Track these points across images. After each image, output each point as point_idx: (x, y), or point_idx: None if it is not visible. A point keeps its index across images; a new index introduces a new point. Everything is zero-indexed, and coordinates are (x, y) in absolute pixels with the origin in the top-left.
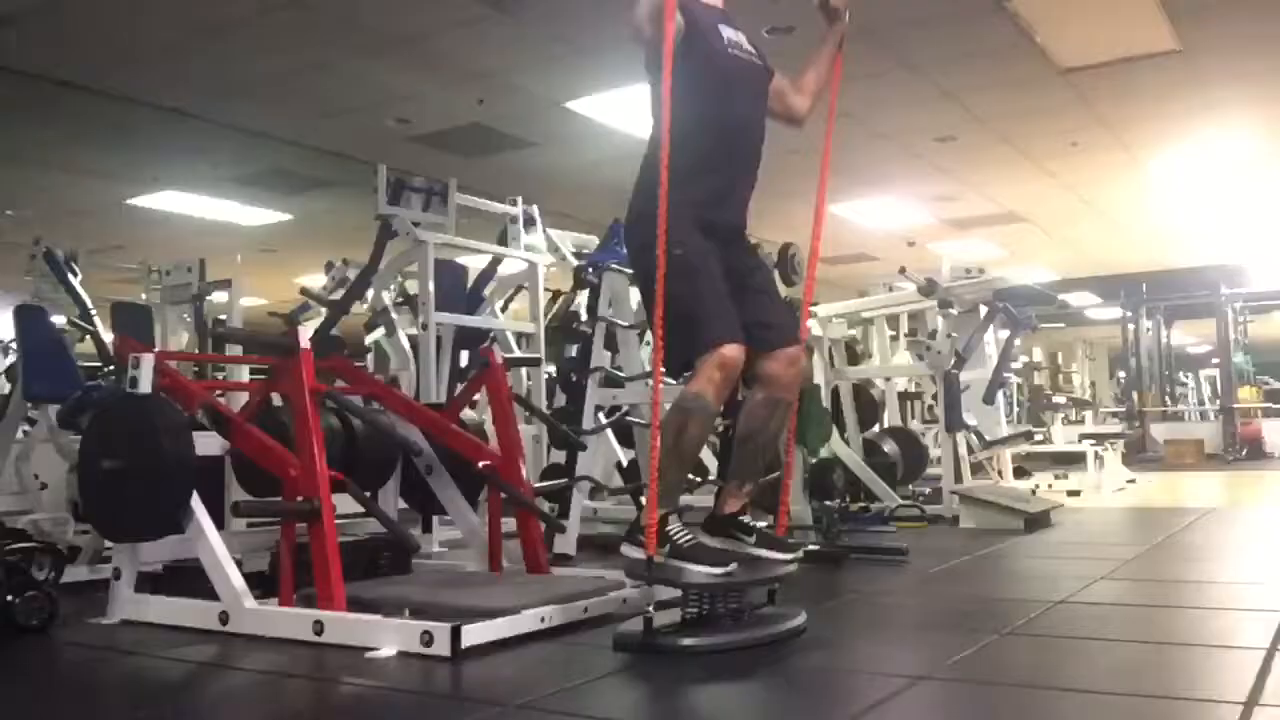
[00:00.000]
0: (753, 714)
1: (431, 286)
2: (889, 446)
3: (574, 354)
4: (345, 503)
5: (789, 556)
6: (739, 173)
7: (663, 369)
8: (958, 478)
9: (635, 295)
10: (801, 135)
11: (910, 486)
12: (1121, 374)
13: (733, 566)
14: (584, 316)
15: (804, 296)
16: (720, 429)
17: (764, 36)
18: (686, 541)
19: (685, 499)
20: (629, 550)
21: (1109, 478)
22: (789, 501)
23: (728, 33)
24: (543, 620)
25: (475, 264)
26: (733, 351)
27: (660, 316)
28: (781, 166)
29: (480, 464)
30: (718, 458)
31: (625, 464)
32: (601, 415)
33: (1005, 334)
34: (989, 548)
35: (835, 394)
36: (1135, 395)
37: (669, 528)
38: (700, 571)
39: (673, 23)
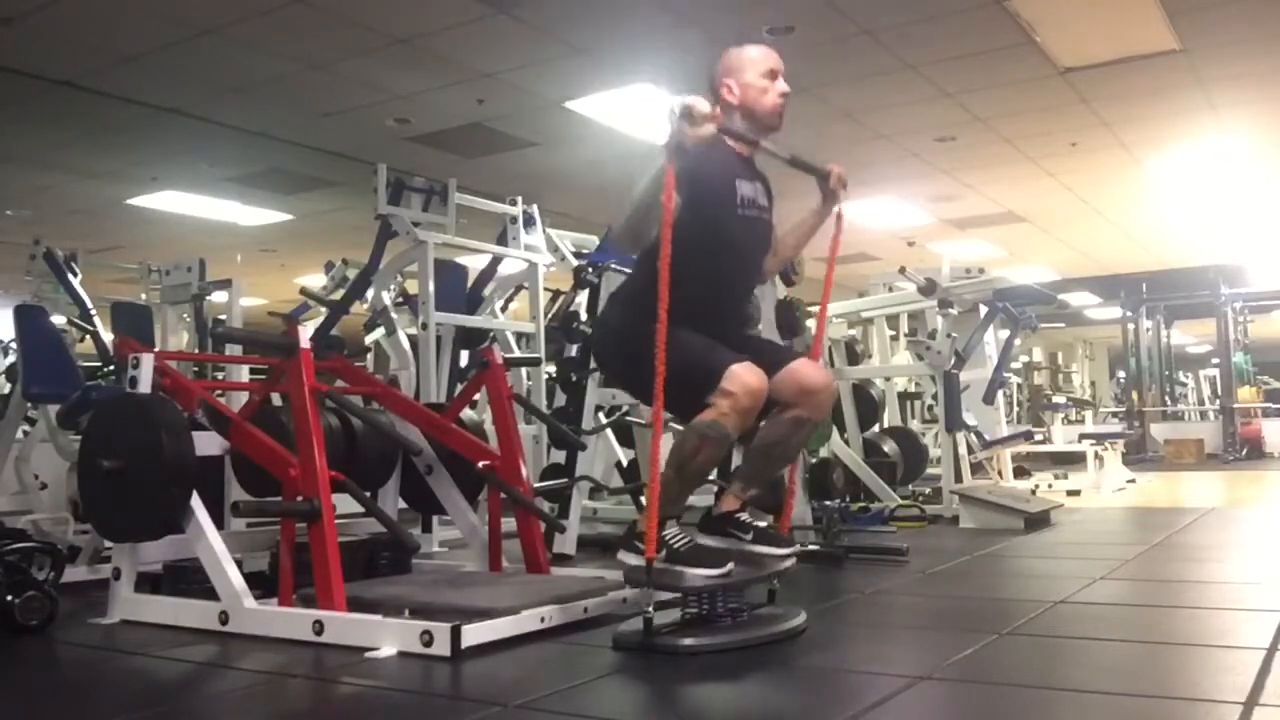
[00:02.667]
0: (752, 714)
1: (431, 286)
2: (889, 446)
3: (574, 354)
4: (345, 503)
5: (786, 551)
6: (728, 314)
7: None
8: (958, 478)
9: None
10: (801, 138)
11: (910, 486)
12: (1121, 374)
13: (730, 566)
14: (584, 316)
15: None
16: None
17: (764, 36)
18: (683, 545)
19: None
20: (627, 557)
21: (1109, 478)
22: (793, 504)
23: (744, 189)
24: (543, 620)
25: (475, 264)
26: (742, 370)
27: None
28: (781, 167)
29: (480, 464)
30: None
31: (625, 464)
32: (601, 415)
33: (1005, 334)
34: (989, 548)
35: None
36: (1135, 395)
37: (665, 532)
38: (699, 574)
39: (670, 215)
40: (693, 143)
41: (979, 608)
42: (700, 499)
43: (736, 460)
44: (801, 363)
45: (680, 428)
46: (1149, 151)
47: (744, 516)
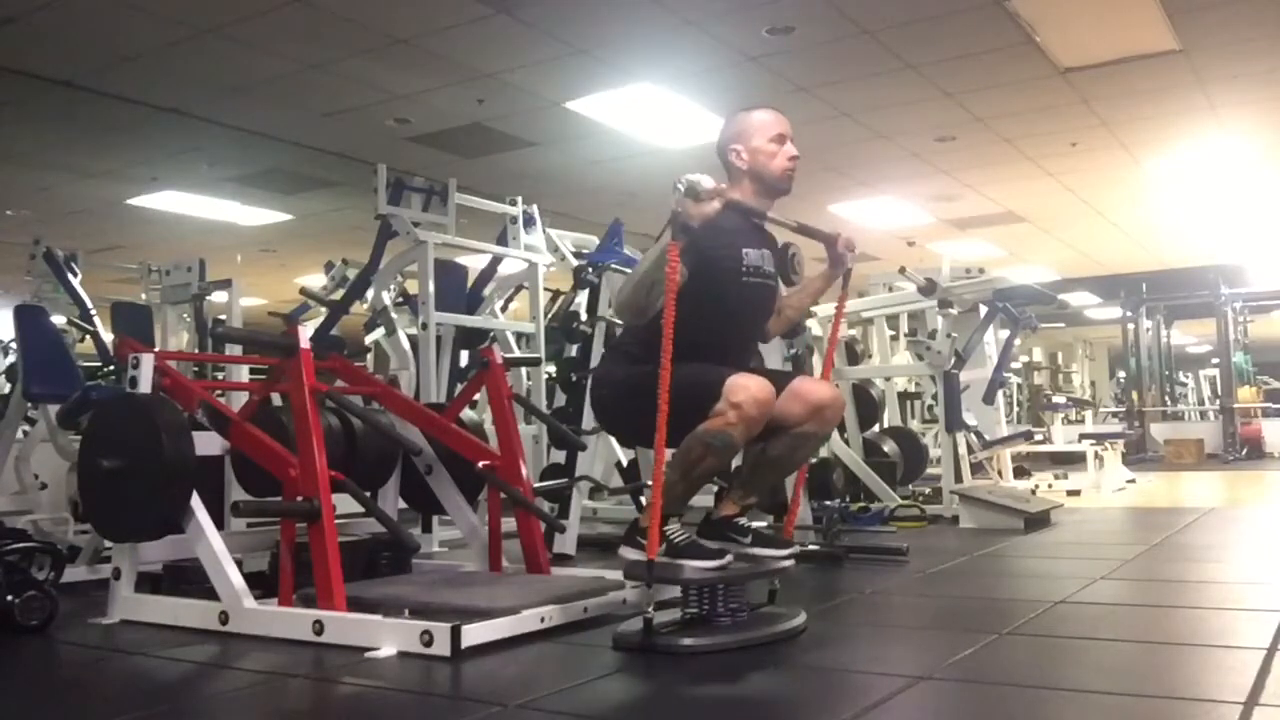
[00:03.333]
0: (752, 714)
1: (431, 286)
2: (889, 446)
3: (574, 354)
4: (345, 503)
5: (785, 552)
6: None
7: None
8: (958, 478)
9: None
10: (802, 138)
11: (910, 486)
12: (1121, 374)
13: (728, 559)
14: (584, 316)
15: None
16: None
17: (764, 36)
18: (682, 540)
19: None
20: (628, 552)
21: (1109, 478)
22: (797, 510)
23: (750, 257)
24: (543, 620)
25: (475, 264)
26: (744, 379)
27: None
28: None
29: (480, 464)
30: None
31: (625, 464)
32: None
33: (1005, 334)
34: (989, 548)
35: None
36: (1135, 395)
37: (666, 528)
38: (696, 566)
39: (675, 284)
40: (697, 221)
41: (979, 608)
42: (702, 499)
43: (738, 460)
44: (803, 380)
45: None
46: (1149, 151)
47: (742, 521)
